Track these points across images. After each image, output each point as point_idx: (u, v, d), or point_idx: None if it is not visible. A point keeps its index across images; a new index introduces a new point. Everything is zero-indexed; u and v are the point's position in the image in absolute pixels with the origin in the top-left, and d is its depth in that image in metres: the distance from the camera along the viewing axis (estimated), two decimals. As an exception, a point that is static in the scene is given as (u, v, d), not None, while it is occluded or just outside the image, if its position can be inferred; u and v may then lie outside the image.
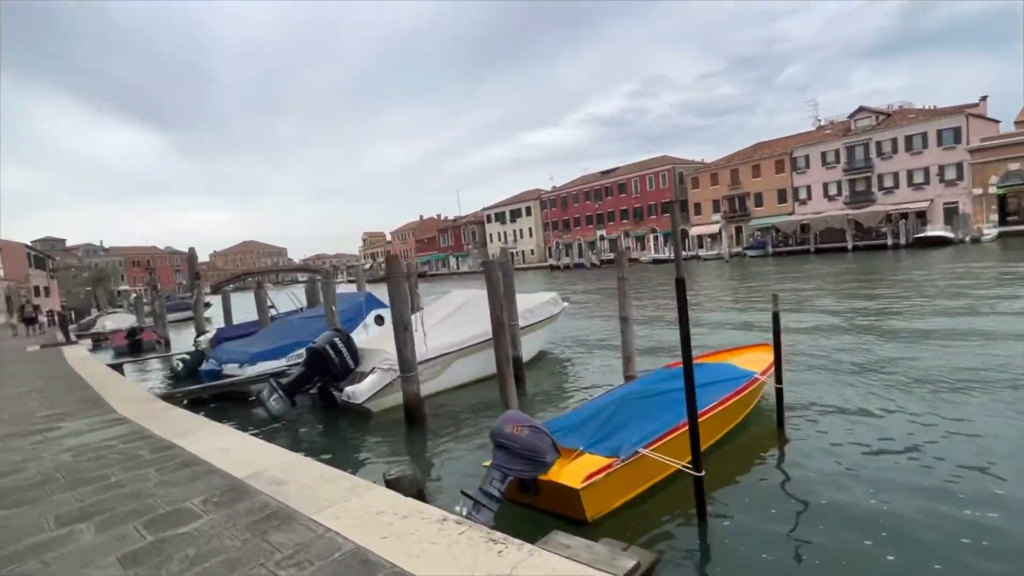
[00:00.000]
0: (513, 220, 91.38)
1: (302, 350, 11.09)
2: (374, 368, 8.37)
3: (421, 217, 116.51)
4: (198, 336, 14.79)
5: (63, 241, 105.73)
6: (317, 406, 8.99)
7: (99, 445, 5.18)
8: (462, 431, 7.55)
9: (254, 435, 5.39)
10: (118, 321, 27.63)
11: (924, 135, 48.16)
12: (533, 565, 2.48)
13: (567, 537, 3.30)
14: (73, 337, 20.30)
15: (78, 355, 14.17)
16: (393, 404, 8.41)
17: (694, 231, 65.74)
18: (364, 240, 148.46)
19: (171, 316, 28.62)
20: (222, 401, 9.63)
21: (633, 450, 4.46)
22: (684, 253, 62.98)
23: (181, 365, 13.41)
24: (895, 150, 49.78)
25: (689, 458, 4.19)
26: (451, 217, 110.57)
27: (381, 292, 18.58)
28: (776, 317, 5.71)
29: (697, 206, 66.10)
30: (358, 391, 8.14)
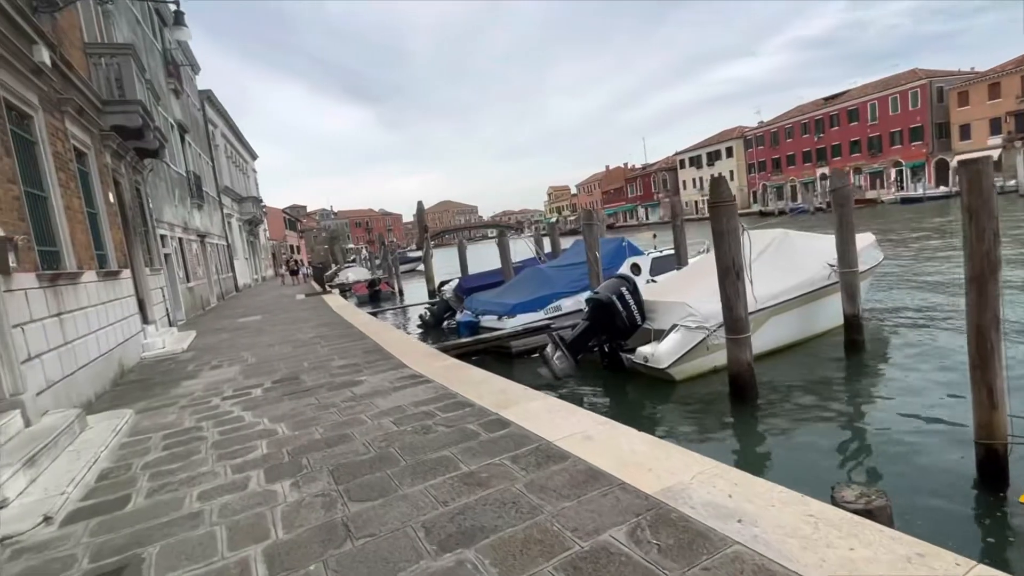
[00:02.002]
0: (711, 163, 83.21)
1: (559, 302, 10.09)
2: (675, 326, 6.76)
3: (607, 167, 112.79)
4: (441, 286, 14.97)
5: (305, 207, 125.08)
6: (595, 367, 7.73)
7: (416, 411, 4.37)
8: (808, 416, 5.59)
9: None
10: (357, 273, 30.83)
11: None
12: None
13: None
14: (327, 288, 22.73)
15: (338, 303, 15.26)
16: (699, 370, 6.77)
17: (958, 160, 52.31)
18: (549, 194, 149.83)
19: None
20: (483, 355, 9.03)
21: None
22: (944, 189, 50.76)
23: (429, 314, 13.63)
24: None
25: None
26: (639, 165, 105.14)
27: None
28: None
29: (964, 129, 52.30)
30: (660, 353, 6.63)
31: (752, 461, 4.64)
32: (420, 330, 13.68)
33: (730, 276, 5.45)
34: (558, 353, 7.05)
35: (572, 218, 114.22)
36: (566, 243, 16.98)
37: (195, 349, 9.34)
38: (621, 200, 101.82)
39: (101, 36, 10.79)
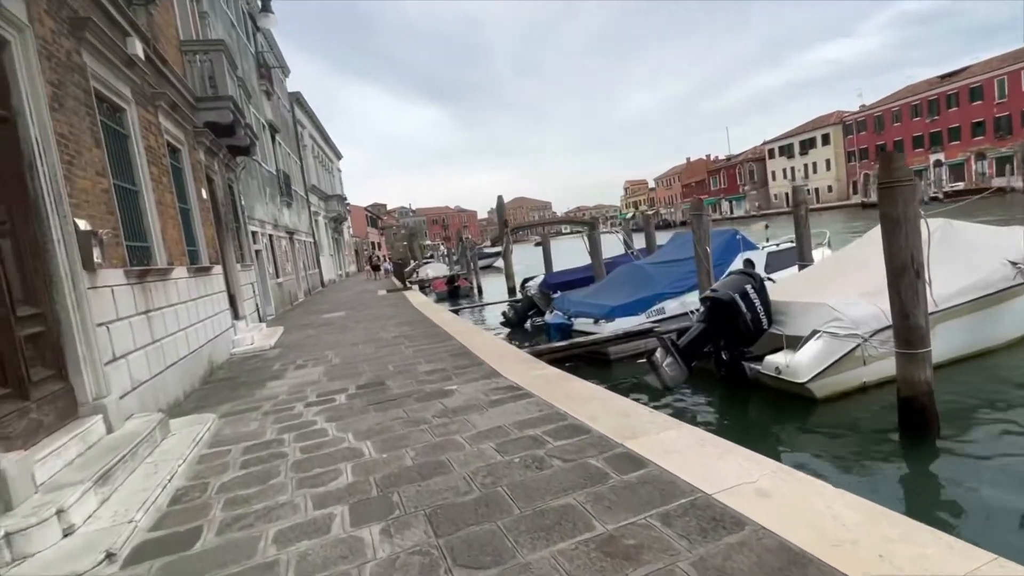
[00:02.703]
0: (804, 152, 77.52)
1: (662, 304, 9.12)
2: (816, 332, 5.65)
3: (688, 160, 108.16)
4: (525, 283, 14.34)
5: (385, 205, 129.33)
6: (709, 376, 6.70)
7: (521, 435, 3.67)
8: (1018, 459, 4.35)
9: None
10: (436, 270, 31.03)
11: None
12: None
13: None
14: (408, 284, 22.85)
15: (419, 300, 15.02)
16: (845, 387, 5.63)
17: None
18: (625, 189, 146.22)
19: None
20: (575, 360, 8.25)
21: None
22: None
23: (512, 312, 13.03)
24: None
25: None
26: (722, 157, 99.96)
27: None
28: None
29: (1120, 103, 45.11)
30: (797, 364, 5.55)
31: (968, 533, 3.52)
32: (503, 329, 13.10)
33: (907, 276, 4.32)
34: (668, 359, 6.12)
35: (650, 213, 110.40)
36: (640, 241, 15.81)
37: (282, 346, 9.23)
38: (703, 193, 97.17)
39: (197, 36, 10.99)
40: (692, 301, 8.47)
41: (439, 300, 21.65)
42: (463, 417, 4.23)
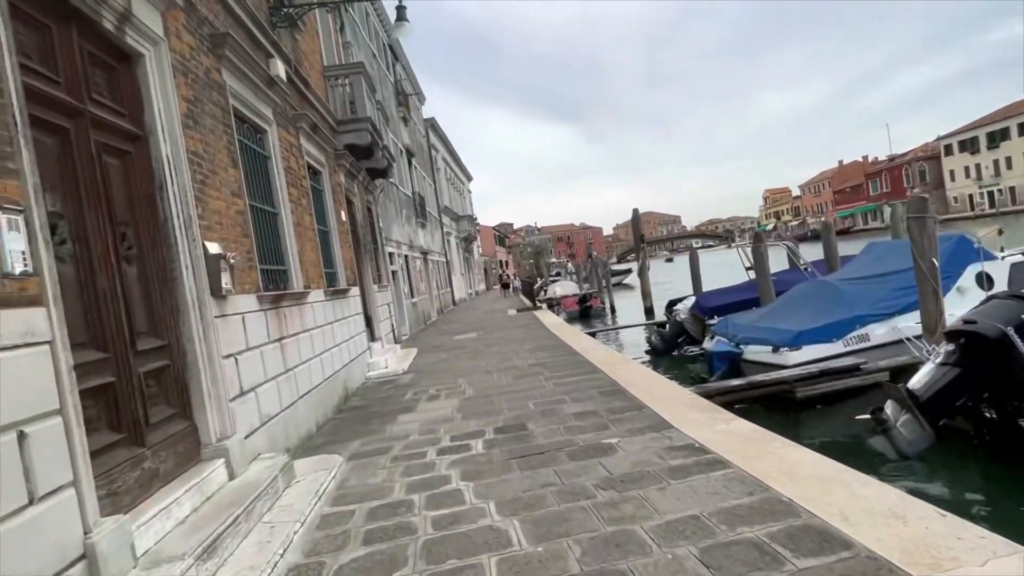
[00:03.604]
0: (992, 146, 65.61)
1: (865, 329, 7.32)
2: None
3: (840, 163, 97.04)
4: (672, 305, 12.89)
5: (511, 224, 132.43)
6: (957, 438, 4.91)
7: (735, 538, 2.52)
8: None
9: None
10: (565, 288, 30.21)
11: None
12: None
13: None
14: (536, 303, 22.24)
15: (551, 321, 14.19)
16: None
17: None
18: (765, 199, 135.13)
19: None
20: (747, 402, 6.75)
21: None
22: None
23: (659, 339, 11.61)
24: None
25: None
26: (883, 157, 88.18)
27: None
28: None
29: None
30: None
31: None
32: (647, 356, 11.74)
33: None
34: (905, 416, 4.52)
35: (794, 223, 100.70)
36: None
37: (415, 371, 8.86)
38: (860, 199, 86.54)
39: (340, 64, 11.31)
40: (909, 327, 6.60)
41: (570, 320, 20.74)
42: (637, 492, 3.17)
